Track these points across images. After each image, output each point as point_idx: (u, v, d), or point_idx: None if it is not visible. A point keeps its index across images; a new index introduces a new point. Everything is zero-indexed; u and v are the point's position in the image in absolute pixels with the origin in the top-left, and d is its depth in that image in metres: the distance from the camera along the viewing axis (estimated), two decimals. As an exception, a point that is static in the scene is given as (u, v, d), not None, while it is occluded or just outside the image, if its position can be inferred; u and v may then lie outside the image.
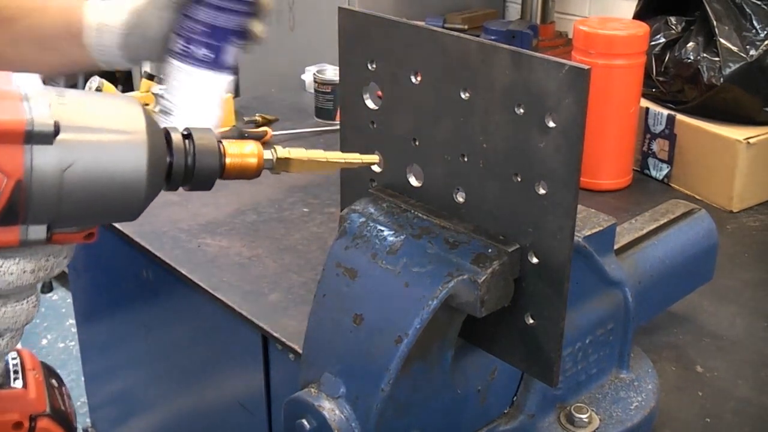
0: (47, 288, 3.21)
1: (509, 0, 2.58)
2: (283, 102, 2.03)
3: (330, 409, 0.76)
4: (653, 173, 1.63)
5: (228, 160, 0.68)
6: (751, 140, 1.48)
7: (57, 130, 0.57)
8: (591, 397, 0.96)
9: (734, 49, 1.50)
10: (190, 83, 1.02)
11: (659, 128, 1.60)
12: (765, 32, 1.50)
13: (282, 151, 0.70)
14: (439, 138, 0.80)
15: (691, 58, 1.54)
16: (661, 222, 1.09)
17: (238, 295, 1.22)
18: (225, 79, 1.04)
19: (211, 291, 1.24)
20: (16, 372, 0.77)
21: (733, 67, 1.49)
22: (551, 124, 0.70)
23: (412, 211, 0.82)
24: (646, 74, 1.55)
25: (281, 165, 0.71)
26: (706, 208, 1.16)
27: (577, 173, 0.70)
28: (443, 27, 2.16)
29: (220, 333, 1.33)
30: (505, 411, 0.90)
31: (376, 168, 0.87)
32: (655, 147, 1.61)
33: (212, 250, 1.35)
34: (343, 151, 0.89)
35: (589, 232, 0.89)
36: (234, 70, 1.04)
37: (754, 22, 1.52)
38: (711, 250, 1.14)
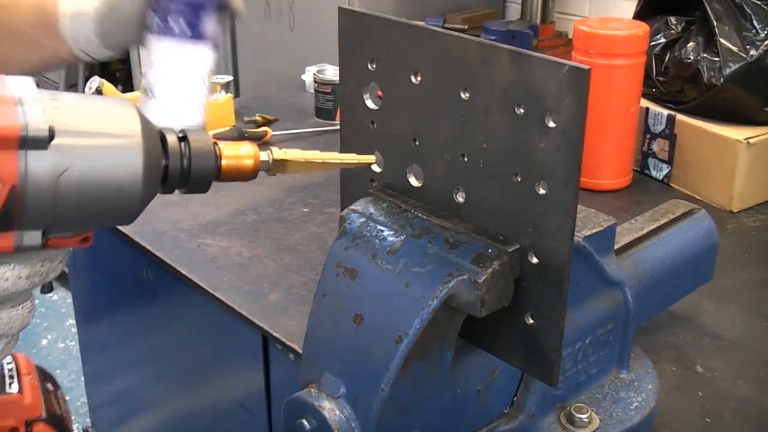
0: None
1: (509, 0, 2.58)
2: (283, 102, 2.03)
3: (330, 409, 0.76)
4: (653, 173, 1.63)
5: (224, 162, 0.67)
6: (751, 140, 1.48)
7: (52, 135, 0.57)
8: (591, 397, 0.96)
9: (734, 49, 1.50)
10: (170, 59, 1.00)
11: (659, 128, 1.60)
12: (765, 32, 1.50)
13: (278, 153, 0.70)
14: (439, 138, 0.80)
15: (691, 58, 1.54)
16: (661, 222, 1.09)
17: (238, 295, 1.22)
18: (207, 53, 1.01)
19: (211, 291, 1.24)
20: (11, 377, 0.76)
21: (733, 67, 1.49)
22: (551, 124, 0.70)
23: (412, 211, 0.82)
24: (646, 74, 1.55)
25: (277, 166, 0.70)
26: (706, 208, 1.16)
27: (577, 173, 0.70)
28: (443, 27, 2.16)
29: (220, 333, 1.33)
30: (505, 411, 0.90)
31: (376, 168, 0.87)
32: (655, 147, 1.61)
33: (212, 250, 1.35)
34: (342, 152, 0.90)
35: (589, 232, 0.89)
36: (215, 43, 1.02)
37: (754, 22, 1.52)
38: (711, 250, 1.14)
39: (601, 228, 0.91)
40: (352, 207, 0.84)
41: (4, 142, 0.56)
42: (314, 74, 1.92)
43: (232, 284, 1.25)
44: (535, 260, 0.75)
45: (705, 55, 1.52)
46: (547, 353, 0.77)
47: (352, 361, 0.77)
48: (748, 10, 1.52)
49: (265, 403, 1.27)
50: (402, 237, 0.79)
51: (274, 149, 0.71)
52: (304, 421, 0.77)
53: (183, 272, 1.29)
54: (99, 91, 1.68)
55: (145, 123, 0.62)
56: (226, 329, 1.28)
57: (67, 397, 2.91)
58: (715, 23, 1.51)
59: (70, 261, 1.72)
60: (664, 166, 1.60)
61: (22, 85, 0.59)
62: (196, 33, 1.00)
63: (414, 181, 0.84)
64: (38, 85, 0.60)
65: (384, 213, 0.82)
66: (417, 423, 0.80)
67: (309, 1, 2.52)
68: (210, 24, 1.00)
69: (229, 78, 1.94)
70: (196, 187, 0.66)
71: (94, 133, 0.60)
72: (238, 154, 0.68)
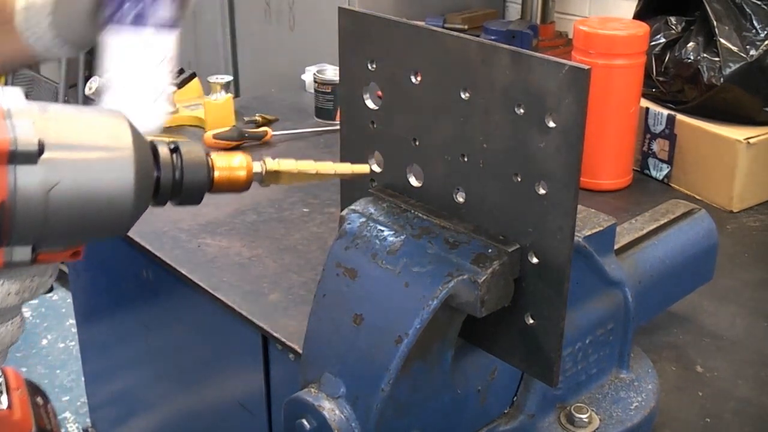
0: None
1: (509, 0, 2.58)
2: (283, 102, 2.03)
3: (330, 409, 0.76)
4: (653, 173, 1.63)
5: (216, 174, 0.66)
6: (751, 140, 1.48)
7: (41, 149, 0.56)
8: (591, 397, 0.96)
9: (734, 49, 1.50)
10: (127, 48, 0.94)
11: (659, 128, 1.60)
12: (765, 32, 1.50)
13: (271, 163, 0.69)
14: (439, 138, 0.80)
15: (691, 58, 1.54)
16: (661, 222, 1.09)
17: (238, 295, 1.22)
18: (165, 38, 0.96)
19: (211, 291, 1.24)
20: (0, 392, 0.75)
21: (733, 67, 1.49)
22: (551, 124, 0.70)
23: (412, 211, 0.82)
24: (646, 74, 1.55)
25: (271, 177, 0.69)
26: (706, 208, 1.16)
27: (577, 173, 0.70)
28: (443, 27, 2.16)
29: (220, 333, 1.33)
30: (505, 411, 0.90)
31: (376, 168, 0.87)
32: (655, 147, 1.61)
33: (212, 250, 1.35)
34: (342, 151, 0.90)
35: (589, 232, 0.89)
36: (174, 27, 0.96)
37: (754, 22, 1.52)
38: (711, 250, 1.14)
39: (601, 228, 0.91)
40: (352, 207, 0.84)
41: None
42: (314, 74, 1.92)
43: (232, 284, 1.25)
44: (535, 260, 0.75)
45: (705, 55, 1.52)
46: (547, 353, 0.77)
47: (352, 361, 0.77)
48: (748, 10, 1.52)
49: (265, 403, 1.27)
50: (402, 237, 0.79)
51: (268, 160, 0.69)
52: (304, 421, 0.77)
53: (183, 272, 1.29)
54: (99, 91, 1.68)
55: (137, 134, 0.61)
56: (226, 329, 1.28)
57: (67, 397, 2.91)
58: (715, 23, 1.51)
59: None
60: (664, 166, 1.60)
61: (11, 97, 0.58)
62: (151, 17, 0.95)
63: (414, 181, 0.84)
64: (27, 96, 0.59)
65: (384, 213, 0.82)
66: (417, 423, 0.80)
67: (309, 1, 2.52)
68: (166, 7, 0.95)
69: (229, 78, 1.94)
70: (188, 199, 0.65)
71: (84, 146, 0.59)
72: (231, 165, 0.67)
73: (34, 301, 2.33)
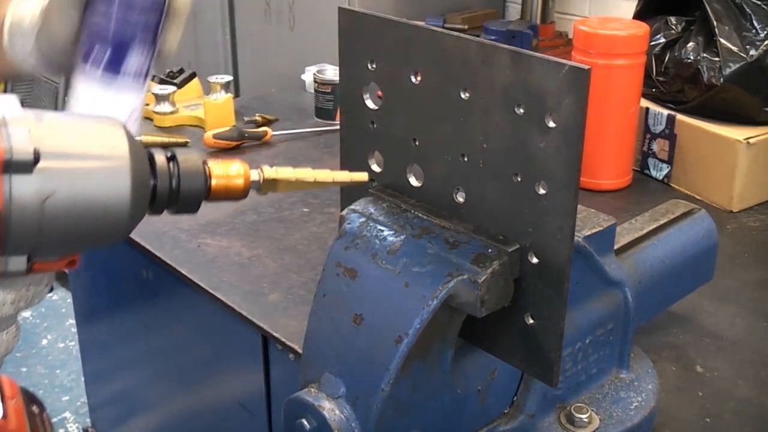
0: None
1: (509, 0, 2.58)
2: (283, 102, 2.03)
3: (330, 409, 0.76)
4: (653, 173, 1.63)
5: (213, 182, 0.66)
6: (751, 140, 1.48)
7: (37, 158, 0.55)
8: (591, 397, 0.96)
9: (734, 49, 1.50)
10: (90, 95, 0.89)
11: (659, 128, 1.60)
12: (765, 32, 1.50)
13: (269, 171, 0.69)
14: (439, 138, 0.80)
15: (691, 58, 1.54)
16: (661, 222, 1.09)
17: (238, 295, 1.22)
18: (132, 92, 0.90)
19: (211, 291, 1.24)
20: None
21: (733, 67, 1.49)
22: (551, 124, 0.70)
23: (412, 211, 0.82)
24: (646, 74, 1.55)
25: (268, 185, 0.69)
26: (706, 208, 1.16)
27: (577, 173, 0.70)
28: (443, 27, 2.16)
29: (220, 333, 1.33)
30: (505, 411, 0.90)
31: (376, 168, 0.87)
32: (655, 147, 1.61)
33: (212, 250, 1.35)
34: (342, 151, 0.90)
35: (589, 232, 0.89)
36: (141, 83, 0.90)
37: (754, 22, 1.52)
38: (711, 250, 1.14)
39: (601, 228, 0.91)
40: (352, 207, 0.84)
41: None
42: (314, 74, 1.92)
43: (232, 284, 1.25)
44: (535, 260, 0.75)
45: (705, 55, 1.52)
46: (547, 353, 0.77)
47: (352, 361, 0.77)
48: (748, 10, 1.53)
49: (265, 403, 1.27)
50: (402, 237, 0.79)
51: (265, 168, 0.69)
52: (304, 421, 0.77)
53: (183, 272, 1.29)
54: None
55: (133, 143, 0.61)
56: (226, 329, 1.28)
57: (67, 397, 2.91)
58: (715, 23, 1.51)
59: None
60: (664, 166, 1.60)
61: (6, 105, 0.57)
62: (119, 69, 0.89)
63: (414, 181, 0.84)
64: (23, 103, 0.59)
65: (384, 213, 0.82)
66: (417, 423, 0.80)
67: (309, 1, 2.52)
68: (136, 61, 0.89)
69: (229, 78, 1.94)
70: (185, 208, 0.65)
71: (80, 155, 0.58)
72: (228, 173, 0.67)
73: (34, 301, 2.31)
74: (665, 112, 1.59)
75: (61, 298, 3.18)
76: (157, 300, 1.49)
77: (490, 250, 0.75)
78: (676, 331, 1.18)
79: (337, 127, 0.91)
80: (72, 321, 2.87)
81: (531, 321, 0.77)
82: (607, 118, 1.51)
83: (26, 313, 3.18)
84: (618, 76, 1.49)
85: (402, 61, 0.80)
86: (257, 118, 1.87)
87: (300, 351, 0.93)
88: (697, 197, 1.54)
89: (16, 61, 0.92)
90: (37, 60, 0.92)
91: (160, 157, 0.64)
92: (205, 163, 0.66)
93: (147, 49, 0.89)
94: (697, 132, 1.54)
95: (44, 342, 2.99)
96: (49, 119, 0.59)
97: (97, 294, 1.74)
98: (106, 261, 1.58)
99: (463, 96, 0.76)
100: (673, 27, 1.61)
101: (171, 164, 0.64)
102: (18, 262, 0.58)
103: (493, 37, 2.05)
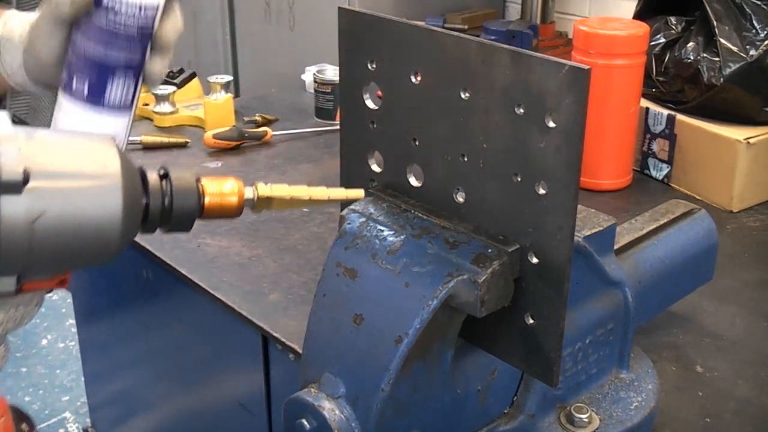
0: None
1: (509, 0, 2.58)
2: (283, 102, 2.03)
3: (330, 409, 0.76)
4: (653, 173, 1.63)
5: (207, 200, 0.65)
6: (751, 140, 1.48)
7: (26, 178, 0.54)
8: (591, 397, 0.96)
9: (734, 49, 1.50)
10: (72, 120, 0.85)
11: (659, 128, 1.60)
12: (765, 32, 1.50)
13: (263, 189, 0.68)
14: (439, 138, 0.80)
15: (691, 58, 1.54)
16: (661, 222, 1.09)
17: (238, 295, 1.22)
18: (114, 120, 0.86)
19: (211, 291, 1.24)
20: None
21: (733, 67, 1.49)
22: (551, 124, 0.70)
23: (412, 211, 0.82)
24: (646, 74, 1.55)
25: (262, 203, 0.68)
26: (706, 208, 1.16)
27: (577, 173, 0.70)
28: (443, 27, 2.16)
29: (220, 333, 1.33)
30: (505, 411, 0.90)
31: (376, 168, 0.87)
32: (655, 147, 1.61)
33: (212, 250, 1.35)
34: (342, 151, 0.90)
35: (589, 232, 0.89)
36: (129, 113, 0.87)
37: (754, 22, 1.52)
38: (711, 250, 1.14)
39: (601, 228, 0.91)
40: (352, 207, 0.84)
41: None
42: (314, 74, 1.92)
43: (232, 284, 1.25)
44: (535, 260, 0.75)
45: (705, 55, 1.52)
46: (547, 353, 0.77)
47: (352, 361, 0.77)
48: (748, 10, 1.53)
49: (265, 403, 1.27)
50: (402, 237, 0.79)
51: (260, 185, 0.68)
52: (304, 421, 0.77)
53: (183, 272, 1.29)
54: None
55: (125, 161, 0.60)
56: (226, 329, 1.28)
57: (67, 397, 2.91)
58: (715, 23, 1.51)
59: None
60: (664, 166, 1.60)
61: None
62: (101, 99, 0.85)
63: (414, 181, 0.84)
64: (18, 119, 0.58)
65: (384, 213, 0.82)
66: (417, 423, 0.80)
67: (309, 1, 2.52)
68: (120, 90, 0.85)
69: (229, 78, 1.94)
70: (178, 226, 0.64)
71: (71, 174, 0.57)
72: (222, 191, 0.66)
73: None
74: (665, 112, 1.59)
75: (61, 298, 3.18)
76: (157, 300, 1.49)
77: (490, 250, 0.75)
78: (676, 331, 1.18)
79: (337, 127, 0.91)
80: (72, 321, 2.87)
81: (531, 321, 0.77)
82: (607, 118, 1.51)
83: (26, 313, 3.15)
84: (618, 76, 1.49)
85: (402, 61, 0.80)
86: (257, 118, 1.87)
87: (300, 351, 0.93)
88: (697, 197, 1.54)
89: (11, 78, 0.91)
90: (24, 77, 0.90)
91: (152, 175, 0.63)
92: (198, 180, 0.66)
93: (131, 79, 0.85)
94: (697, 132, 1.54)
95: (44, 342, 2.99)
96: (40, 138, 0.58)
97: (97, 294, 1.74)
98: (106, 261, 1.58)
99: (463, 96, 0.76)
100: (673, 27, 1.61)
101: (164, 182, 0.63)
102: (7, 283, 0.57)
103: (493, 37, 2.05)
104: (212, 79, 1.88)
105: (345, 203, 0.88)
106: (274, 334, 1.14)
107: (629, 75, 1.50)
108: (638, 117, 1.58)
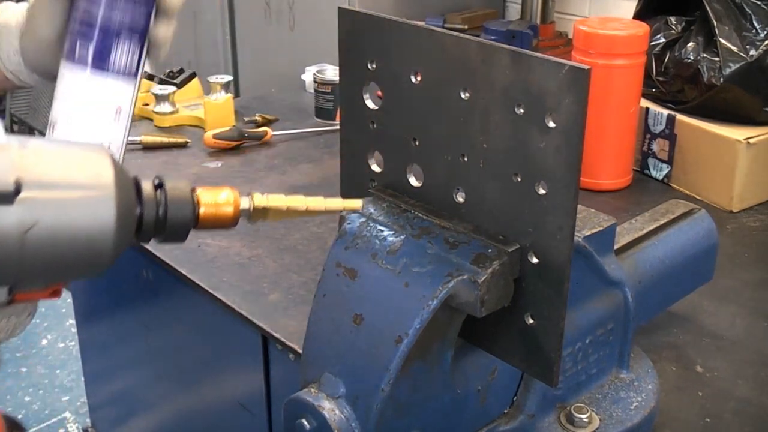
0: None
1: (509, 0, 2.58)
2: (283, 102, 2.03)
3: (330, 409, 0.76)
4: (653, 173, 1.63)
5: (202, 210, 0.65)
6: (751, 140, 1.48)
7: (18, 188, 0.54)
8: (591, 397, 0.96)
9: (734, 49, 1.50)
10: (76, 88, 0.85)
11: (659, 128, 1.60)
12: (765, 32, 1.50)
13: (259, 199, 0.68)
14: (439, 138, 0.80)
15: (691, 58, 1.54)
16: (661, 222, 1.09)
17: (238, 295, 1.22)
18: (120, 88, 0.86)
19: (211, 291, 1.24)
20: None
21: (733, 67, 1.49)
22: (551, 124, 0.70)
23: (412, 211, 0.82)
24: (646, 74, 1.55)
25: (258, 214, 0.68)
26: (706, 208, 1.16)
27: (577, 173, 0.70)
28: (443, 27, 2.16)
29: (220, 333, 1.33)
30: (505, 411, 0.90)
31: (376, 168, 0.87)
32: (655, 147, 1.61)
33: (212, 250, 1.35)
34: (342, 152, 0.90)
35: (589, 232, 0.89)
36: (131, 78, 0.87)
37: (754, 22, 1.52)
38: (711, 250, 1.14)
39: (601, 228, 0.91)
40: (352, 207, 0.84)
41: None
42: (314, 74, 1.92)
43: (232, 284, 1.25)
44: (535, 260, 0.75)
45: (705, 55, 1.52)
46: (547, 353, 0.76)
47: (352, 361, 0.77)
48: (748, 10, 1.53)
49: (265, 403, 1.27)
50: (402, 237, 0.79)
51: (256, 195, 0.68)
52: (304, 421, 0.77)
53: (183, 272, 1.29)
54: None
55: (119, 170, 0.60)
56: (226, 329, 1.28)
57: (67, 397, 2.91)
58: (715, 23, 1.51)
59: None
60: (664, 166, 1.60)
61: None
62: (105, 64, 0.85)
63: (414, 181, 0.84)
64: (7, 130, 0.57)
65: (384, 213, 0.82)
66: (417, 423, 0.80)
67: (309, 1, 2.52)
68: (124, 56, 0.86)
69: (229, 78, 1.94)
70: (172, 237, 0.64)
71: (64, 184, 0.57)
72: (217, 201, 0.65)
73: (34, 301, 2.31)
74: (665, 112, 1.59)
75: (61, 298, 3.18)
76: (157, 300, 1.49)
77: (490, 250, 0.75)
78: (676, 331, 1.18)
79: (337, 127, 0.91)
80: (72, 321, 2.87)
81: (531, 321, 0.77)
82: (607, 118, 1.51)
83: (26, 313, 3.15)
84: (618, 76, 1.49)
85: (402, 61, 0.80)
86: (257, 118, 1.87)
87: (300, 351, 0.93)
88: (697, 197, 1.54)
89: (7, 67, 0.90)
90: (20, 65, 0.90)
91: (146, 185, 0.63)
92: (193, 190, 0.65)
93: (136, 44, 0.85)
94: (697, 132, 1.54)
95: (44, 342, 2.99)
96: (33, 147, 0.57)
97: (97, 294, 1.74)
98: (106, 261, 1.58)
99: (463, 96, 0.76)
100: (673, 27, 1.61)
101: (158, 192, 0.63)
102: None
103: (493, 37, 2.05)
104: (212, 79, 1.88)
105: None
106: (274, 334, 1.14)
107: (629, 75, 1.50)
108: (638, 117, 1.58)
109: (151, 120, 1.87)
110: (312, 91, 1.95)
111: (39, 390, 2.76)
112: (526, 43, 2.06)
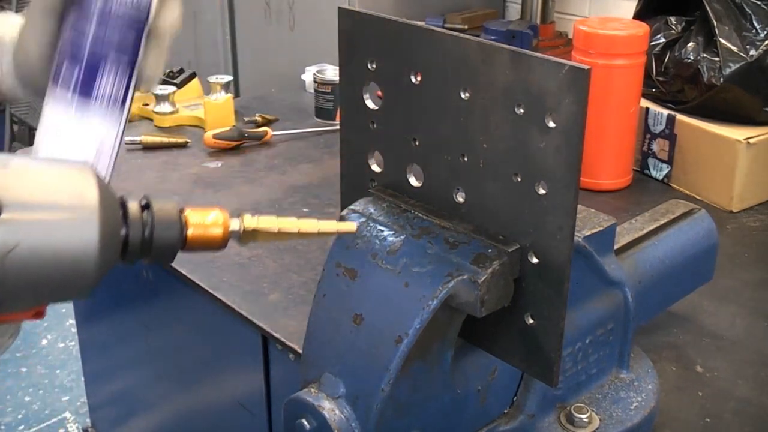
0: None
1: (509, 0, 2.58)
2: (283, 102, 2.03)
3: (330, 409, 0.76)
4: (653, 173, 1.63)
5: (190, 231, 0.63)
6: (751, 140, 1.48)
7: None
8: (591, 397, 0.96)
9: (734, 49, 1.50)
10: (59, 121, 0.81)
11: (659, 128, 1.60)
12: (765, 32, 1.50)
13: (250, 221, 0.66)
14: (439, 138, 0.80)
15: (691, 58, 1.54)
16: (661, 222, 1.09)
17: (238, 295, 1.22)
18: (105, 121, 0.81)
19: (211, 291, 1.24)
20: None
21: (733, 67, 1.49)
22: (551, 124, 0.70)
23: (412, 211, 0.82)
24: (646, 74, 1.55)
25: (249, 236, 0.67)
26: (706, 208, 1.16)
27: (577, 173, 0.70)
28: (443, 27, 2.16)
29: (220, 333, 1.33)
30: (505, 411, 0.90)
31: (376, 168, 0.87)
32: (655, 147, 1.61)
33: (212, 250, 1.34)
34: (342, 152, 0.90)
35: (589, 232, 0.89)
36: (121, 110, 0.82)
37: (754, 22, 1.52)
38: (711, 250, 1.14)
39: (601, 228, 0.91)
40: (352, 207, 0.84)
41: None
42: (314, 74, 1.92)
43: (232, 284, 1.25)
44: (535, 260, 0.75)
45: (705, 55, 1.52)
46: (547, 353, 0.76)
47: (352, 361, 0.77)
48: (748, 10, 1.53)
49: (265, 403, 1.27)
50: (402, 237, 0.79)
51: (246, 217, 0.67)
52: (304, 421, 0.77)
53: (183, 272, 1.29)
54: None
55: (104, 191, 0.59)
56: (226, 329, 1.28)
57: (67, 397, 2.91)
58: (715, 23, 1.51)
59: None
60: (664, 166, 1.60)
61: None
62: (88, 88, 0.81)
63: (414, 181, 0.84)
64: (14, 121, 0.57)
65: (384, 213, 0.82)
66: (417, 423, 0.80)
67: (309, 1, 2.52)
68: (109, 82, 0.81)
69: (229, 78, 1.94)
70: (159, 258, 0.63)
71: (46, 205, 0.56)
72: (205, 222, 0.64)
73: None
74: (665, 112, 1.59)
75: (61, 298, 3.18)
76: (157, 300, 1.49)
77: (490, 250, 0.75)
78: (676, 331, 1.18)
79: (337, 127, 0.91)
80: (72, 321, 2.87)
81: (531, 321, 0.77)
82: (607, 118, 1.51)
83: (26, 313, 3.17)
84: (618, 76, 1.49)
85: (402, 61, 0.80)
86: (257, 118, 1.87)
87: (300, 351, 0.93)
88: (697, 197, 1.54)
89: (3, 81, 0.88)
90: (14, 80, 0.87)
91: (133, 205, 0.61)
92: (181, 211, 0.64)
93: (123, 72, 0.81)
94: (697, 132, 1.54)
95: (44, 342, 3.00)
96: (15, 166, 0.56)
97: (97, 294, 1.74)
98: (106, 261, 1.58)
99: (463, 96, 0.76)
100: (673, 27, 1.61)
101: (144, 213, 0.62)
102: None
103: (493, 37, 2.05)
104: (212, 79, 1.88)
105: (343, 204, 0.88)
106: (274, 334, 1.14)
107: (629, 75, 1.50)
108: (638, 117, 1.58)
109: (151, 120, 1.87)
110: (312, 91, 1.95)
111: (39, 390, 2.76)
112: (526, 43, 2.06)
